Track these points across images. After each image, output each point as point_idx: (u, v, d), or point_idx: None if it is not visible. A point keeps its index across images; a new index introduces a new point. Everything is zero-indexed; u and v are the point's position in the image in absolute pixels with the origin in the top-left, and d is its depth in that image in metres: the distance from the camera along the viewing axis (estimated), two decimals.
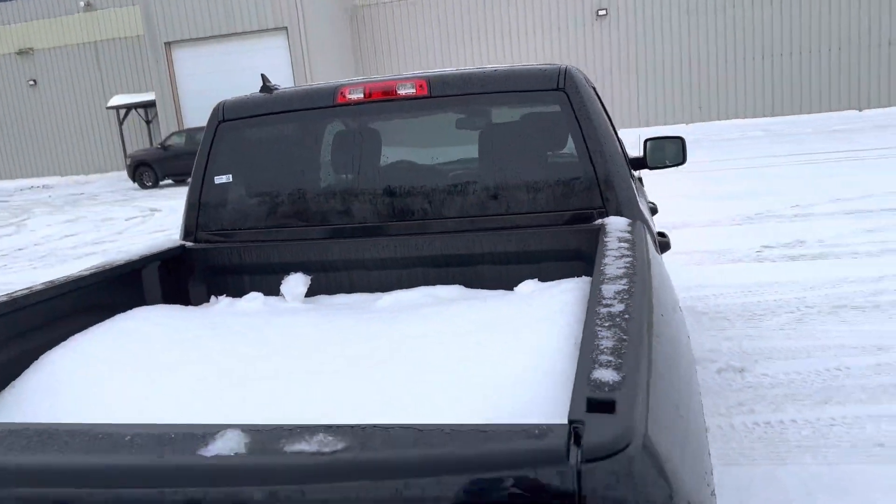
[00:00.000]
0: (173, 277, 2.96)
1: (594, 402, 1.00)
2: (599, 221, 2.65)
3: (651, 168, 4.32)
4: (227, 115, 3.06)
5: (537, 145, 2.85)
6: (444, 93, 2.84)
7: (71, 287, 2.43)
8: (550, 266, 2.71)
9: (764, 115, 26.45)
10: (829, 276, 6.67)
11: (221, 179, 3.07)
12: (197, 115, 28.35)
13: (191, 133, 25.06)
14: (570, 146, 2.80)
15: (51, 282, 2.41)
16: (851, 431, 3.84)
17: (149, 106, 31.18)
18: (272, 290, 2.97)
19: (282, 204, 3.06)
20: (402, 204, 2.94)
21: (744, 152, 17.65)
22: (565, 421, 0.96)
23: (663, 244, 3.42)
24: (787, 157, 15.76)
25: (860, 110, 25.54)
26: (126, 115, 31.12)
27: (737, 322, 5.70)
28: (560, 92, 2.77)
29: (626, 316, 1.40)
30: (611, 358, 1.18)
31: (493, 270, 2.78)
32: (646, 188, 7.70)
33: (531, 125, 2.87)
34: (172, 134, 25.84)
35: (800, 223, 9.04)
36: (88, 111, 33.70)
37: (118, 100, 30.81)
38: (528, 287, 2.57)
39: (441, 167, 3.02)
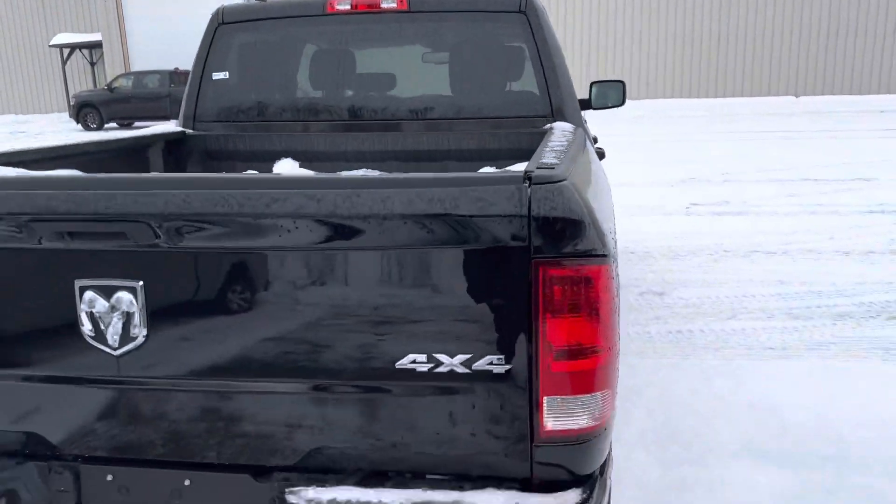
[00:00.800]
0: (173, 158, 3.31)
1: (542, 165, 1.46)
2: (549, 125, 3.11)
3: (595, 108, 4.80)
4: (226, 19, 3.39)
5: (500, 59, 3.29)
6: (421, 8, 3.24)
7: (79, 151, 2.75)
8: (506, 163, 3.15)
9: (707, 97, 27.43)
10: (748, 229, 7.33)
11: (219, 76, 3.41)
12: (145, 60, 27.74)
13: (139, 77, 24.59)
14: (528, 66, 3.25)
15: (61, 146, 2.70)
16: (748, 339, 4.45)
17: (94, 47, 30.32)
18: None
19: (272, 100, 3.42)
20: (380, 104, 3.34)
21: (684, 128, 18.43)
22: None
23: (599, 153, 3.93)
24: (723, 134, 16.57)
25: (797, 97, 26.73)
26: (70, 54, 30.23)
27: (661, 260, 6.29)
28: (521, 14, 3.21)
29: (567, 149, 1.87)
30: (554, 161, 1.64)
31: (457, 166, 3.21)
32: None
33: (495, 41, 3.30)
34: (119, 76, 25.30)
35: (728, 187, 9.74)
36: (29, 48, 32.56)
37: (62, 38, 29.88)
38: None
39: (416, 75, 3.43)
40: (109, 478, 1.65)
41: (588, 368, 1.46)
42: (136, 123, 24.13)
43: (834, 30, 26.28)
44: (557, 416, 1.49)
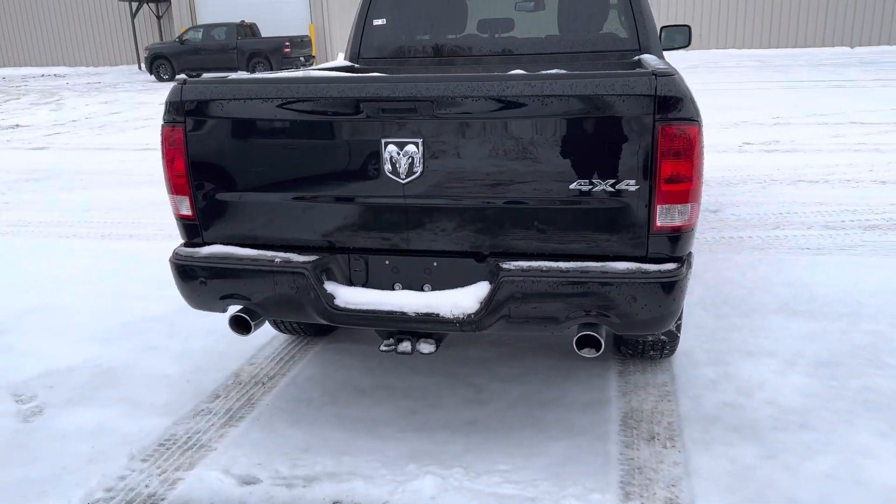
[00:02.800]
0: None
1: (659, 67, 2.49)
2: (638, 57, 4.08)
3: (664, 49, 5.73)
4: None
5: (597, 4, 4.28)
6: None
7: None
8: None
9: (760, 47, 27.56)
10: (795, 164, 8.17)
11: (378, 22, 4.46)
12: (210, 13, 28.88)
13: (207, 29, 25.78)
14: (620, 10, 4.23)
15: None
16: (789, 243, 5.41)
17: (161, 0, 31.58)
18: None
19: (419, 42, 4.47)
20: (503, 44, 4.38)
21: (737, 77, 18.89)
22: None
23: None
24: (775, 83, 17.06)
25: (852, 47, 26.70)
26: (139, 8, 31.56)
27: (715, 187, 7.21)
28: None
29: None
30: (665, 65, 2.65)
31: None
32: None
33: None
34: (189, 29, 26.52)
35: (778, 129, 10.49)
36: (100, 3, 33.97)
37: None
38: None
39: (529, 20, 4.44)
40: (387, 262, 2.76)
41: (683, 189, 2.48)
42: (205, 75, 25.41)
43: None
44: (664, 218, 2.51)
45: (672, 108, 2.38)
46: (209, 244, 2.85)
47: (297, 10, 27.69)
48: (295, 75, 2.91)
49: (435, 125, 2.54)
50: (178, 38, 26.36)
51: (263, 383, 3.55)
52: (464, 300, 2.64)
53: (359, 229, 2.72)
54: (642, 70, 2.47)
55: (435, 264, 2.73)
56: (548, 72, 2.64)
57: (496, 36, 4.43)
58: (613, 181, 2.47)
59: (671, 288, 2.50)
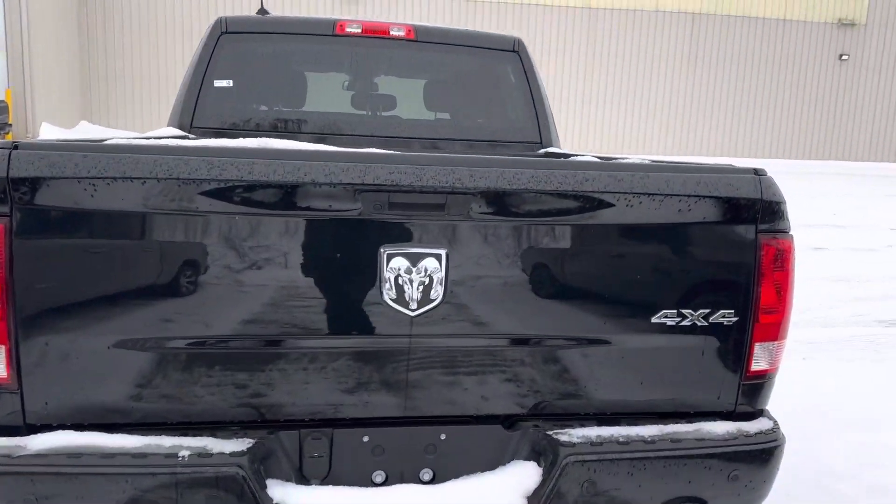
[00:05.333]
0: None
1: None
2: (543, 150, 3.54)
3: None
4: (231, 28, 3.40)
5: (496, 91, 3.70)
6: (426, 39, 3.54)
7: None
8: None
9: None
10: None
11: (221, 84, 3.39)
12: None
13: None
14: (520, 99, 3.69)
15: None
16: None
17: None
18: None
19: (274, 113, 3.47)
20: (383, 123, 3.56)
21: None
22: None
23: None
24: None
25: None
26: None
27: None
28: (515, 53, 3.65)
29: None
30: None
31: None
32: None
33: (491, 75, 3.70)
34: None
35: None
36: None
37: None
38: None
39: (416, 99, 3.70)
40: (365, 439, 1.77)
41: (777, 321, 1.91)
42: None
43: None
44: (758, 360, 1.91)
45: (775, 216, 1.82)
46: (43, 428, 1.62)
47: None
48: (233, 145, 1.85)
49: (470, 230, 1.69)
50: None
51: None
52: (498, 497, 1.75)
53: (323, 389, 1.72)
54: (741, 167, 1.88)
55: (443, 437, 1.81)
56: (629, 160, 1.93)
57: (378, 114, 3.63)
58: (707, 311, 1.81)
59: (775, 455, 1.88)
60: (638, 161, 1.85)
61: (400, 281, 1.68)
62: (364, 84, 3.64)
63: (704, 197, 1.76)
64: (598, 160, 1.81)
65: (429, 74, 3.69)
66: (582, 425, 1.83)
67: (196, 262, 1.63)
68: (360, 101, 3.63)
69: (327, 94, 3.65)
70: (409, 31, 3.53)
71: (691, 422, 1.89)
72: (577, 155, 2.78)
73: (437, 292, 1.69)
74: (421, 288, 1.68)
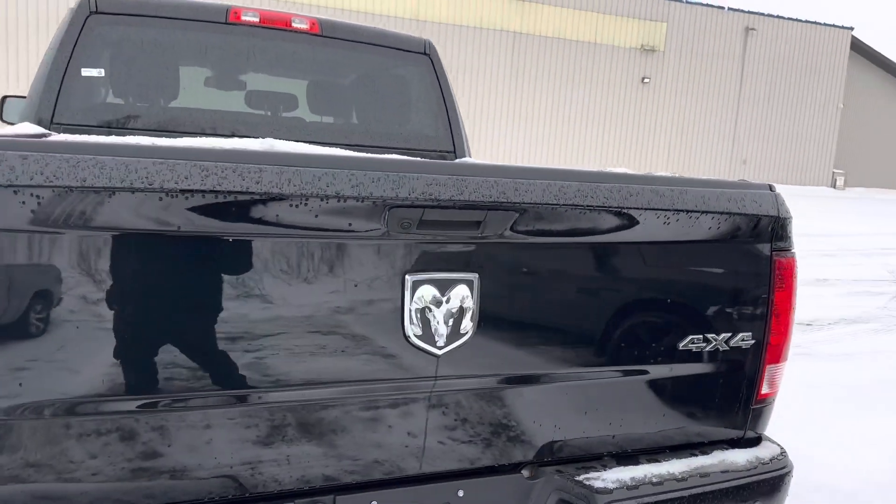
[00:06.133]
0: None
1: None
2: (456, 160, 3.33)
3: None
4: (101, 8, 2.85)
5: (405, 95, 3.43)
6: (331, 34, 3.20)
7: None
8: None
9: None
10: None
11: (91, 72, 2.83)
12: None
13: None
14: (431, 104, 3.44)
15: None
16: None
17: None
18: None
19: (156, 108, 2.96)
20: (284, 125, 3.17)
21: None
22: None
23: None
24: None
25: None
26: None
27: None
28: (426, 56, 3.41)
29: None
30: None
31: None
32: None
33: (400, 77, 3.42)
34: None
35: None
36: None
37: None
38: None
39: (320, 98, 3.33)
40: None
41: (782, 342, 1.85)
42: None
43: None
44: (766, 383, 1.83)
45: (785, 233, 1.76)
46: None
47: None
48: (234, 145, 1.46)
49: (504, 252, 1.45)
50: None
51: None
52: None
53: (324, 450, 1.41)
54: (756, 183, 1.79)
55: (460, 494, 1.55)
56: (660, 174, 1.75)
57: (278, 115, 3.23)
58: (729, 335, 1.71)
59: (786, 481, 1.81)
60: (669, 175, 1.71)
61: (427, 314, 1.40)
62: (262, 81, 3.25)
63: (733, 214, 1.65)
64: (635, 174, 1.64)
65: (334, 74, 3.36)
66: (604, 466, 1.65)
67: (173, 295, 1.25)
68: (257, 100, 3.22)
69: (220, 90, 3.20)
70: (314, 24, 3.18)
71: (705, 452, 1.77)
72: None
73: (467, 326, 1.43)
74: (450, 321, 1.42)
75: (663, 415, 1.71)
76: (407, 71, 3.40)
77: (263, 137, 3.12)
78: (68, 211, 1.14)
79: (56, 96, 2.78)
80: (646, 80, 26.27)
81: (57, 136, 1.63)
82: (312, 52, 3.25)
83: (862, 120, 31.44)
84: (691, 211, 1.57)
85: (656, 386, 1.67)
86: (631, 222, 1.53)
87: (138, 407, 1.25)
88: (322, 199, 1.26)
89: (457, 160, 1.37)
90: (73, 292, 1.16)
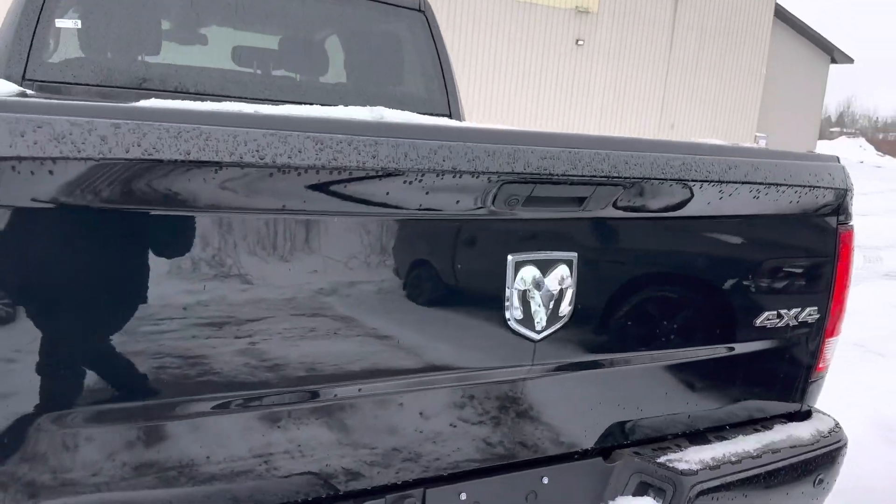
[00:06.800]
0: None
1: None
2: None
3: None
4: None
5: (399, 53, 3.26)
6: None
7: None
8: None
9: None
10: None
11: (67, 23, 2.56)
12: None
13: None
14: (426, 64, 3.29)
15: None
16: None
17: None
18: None
19: (136, 65, 2.71)
20: (273, 86, 2.97)
21: None
22: None
23: None
24: None
25: None
26: None
27: None
28: (421, 13, 3.25)
29: None
30: None
31: None
32: None
33: (393, 35, 3.25)
34: None
35: None
36: None
37: None
38: None
39: (308, 55, 3.13)
40: (462, 497, 1.39)
41: (839, 316, 1.85)
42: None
43: None
44: (826, 355, 1.83)
45: (847, 205, 1.75)
46: None
47: None
48: (339, 114, 1.32)
49: (605, 229, 1.38)
50: None
51: None
52: None
53: (414, 441, 1.33)
54: (825, 154, 1.76)
55: (545, 481, 1.49)
56: (740, 146, 1.69)
57: (268, 73, 3.02)
58: (798, 310, 1.70)
59: (843, 453, 1.82)
60: (746, 146, 1.66)
61: (527, 297, 1.31)
62: (249, 37, 3.04)
63: (812, 188, 1.62)
64: (731, 146, 1.58)
65: (326, 29, 3.18)
66: (678, 447, 1.63)
67: (278, 281, 1.12)
68: (246, 57, 3.02)
69: (206, 44, 2.97)
70: None
71: (767, 428, 1.77)
72: None
73: (565, 309, 1.36)
74: (550, 304, 1.34)
75: (731, 391, 1.70)
76: (402, 28, 3.25)
77: (253, 98, 2.93)
78: (167, 189, 1.00)
79: (28, 49, 2.52)
80: (580, 42, 26.36)
81: (152, 102, 1.44)
82: (304, 6, 3.05)
83: (783, 86, 32.56)
84: (780, 184, 1.53)
85: (731, 363, 1.66)
86: (726, 197, 1.47)
87: (237, 404, 1.13)
88: (437, 175, 1.15)
89: (561, 132, 1.30)
90: (181, 281, 1.03)
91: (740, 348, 1.65)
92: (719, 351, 1.62)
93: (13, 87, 2.27)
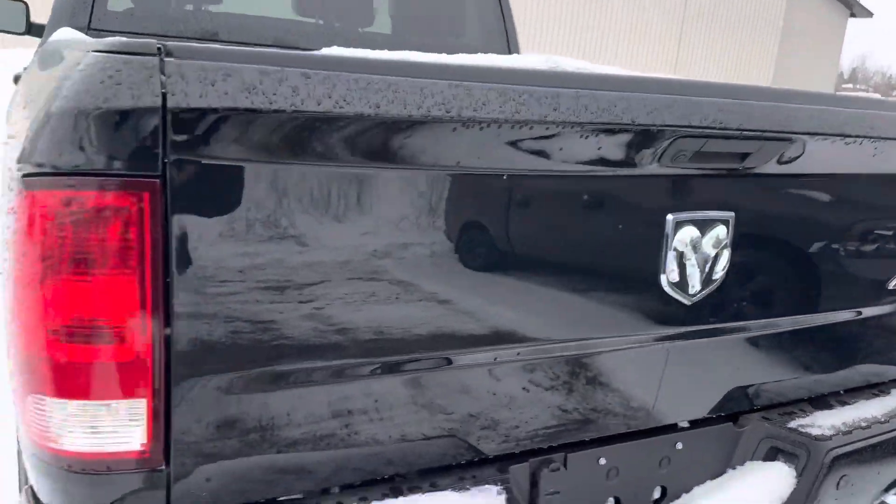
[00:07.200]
0: None
1: None
2: None
3: None
4: None
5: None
6: None
7: None
8: None
9: None
10: None
11: None
12: None
13: None
14: (487, 6, 3.18)
15: None
16: None
17: None
18: None
19: (199, 14, 2.61)
20: (336, 38, 2.88)
21: None
22: None
23: None
24: None
25: None
26: None
27: None
28: None
29: None
30: None
31: None
32: None
33: None
34: None
35: None
36: None
37: None
38: None
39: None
40: (601, 461, 1.35)
41: None
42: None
43: None
44: None
45: None
46: None
47: None
48: (506, 65, 1.24)
49: (762, 188, 1.32)
50: None
51: None
52: None
53: (560, 406, 1.28)
54: None
55: (679, 447, 1.45)
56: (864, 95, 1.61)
57: (332, 25, 2.91)
58: None
59: None
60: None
61: (683, 258, 1.26)
62: None
63: None
64: (884, 99, 1.51)
65: None
66: (803, 412, 1.59)
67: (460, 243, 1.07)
68: (307, 6, 2.91)
69: None
70: None
71: (885, 392, 1.73)
72: None
73: (719, 271, 1.30)
74: (706, 266, 1.28)
75: (855, 355, 1.66)
76: None
77: (318, 49, 2.84)
78: (354, 144, 0.93)
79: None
80: None
81: (335, 50, 1.36)
82: None
83: (800, 39, 31.94)
84: None
85: (860, 326, 1.61)
86: (880, 154, 1.40)
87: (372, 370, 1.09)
88: (614, 129, 1.08)
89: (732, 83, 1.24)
90: (375, 239, 0.97)
91: (868, 311, 1.60)
92: (851, 314, 1.57)
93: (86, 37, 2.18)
